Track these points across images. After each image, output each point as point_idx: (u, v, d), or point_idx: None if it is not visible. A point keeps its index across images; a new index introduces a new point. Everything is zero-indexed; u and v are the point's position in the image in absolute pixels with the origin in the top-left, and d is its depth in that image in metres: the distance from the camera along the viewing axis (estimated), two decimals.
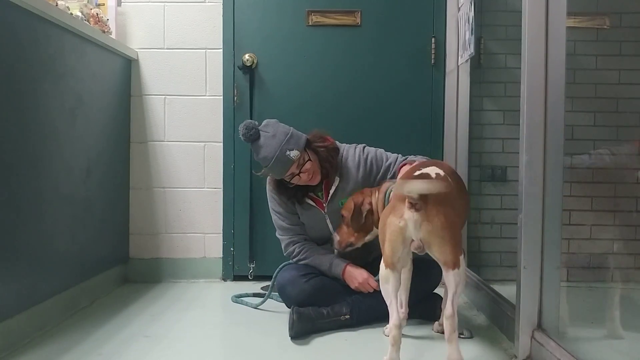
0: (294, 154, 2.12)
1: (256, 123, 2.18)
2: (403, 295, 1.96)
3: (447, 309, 1.61)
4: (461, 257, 1.64)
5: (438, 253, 1.63)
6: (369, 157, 2.26)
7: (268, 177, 2.34)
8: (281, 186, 2.28)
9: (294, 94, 2.90)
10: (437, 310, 2.20)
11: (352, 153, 2.28)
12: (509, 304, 1.98)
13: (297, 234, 2.31)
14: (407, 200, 1.58)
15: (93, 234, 2.47)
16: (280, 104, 2.90)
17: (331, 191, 2.25)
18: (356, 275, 2.16)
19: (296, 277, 2.17)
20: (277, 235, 2.36)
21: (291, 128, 2.20)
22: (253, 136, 2.14)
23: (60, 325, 2.09)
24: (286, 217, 2.32)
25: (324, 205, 2.27)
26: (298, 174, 2.17)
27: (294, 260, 2.29)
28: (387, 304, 1.68)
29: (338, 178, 2.25)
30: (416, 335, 2.06)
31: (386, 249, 1.66)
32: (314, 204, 2.28)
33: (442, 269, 1.65)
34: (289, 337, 1.98)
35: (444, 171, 1.82)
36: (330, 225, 2.27)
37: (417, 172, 1.80)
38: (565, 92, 1.71)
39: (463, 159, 2.84)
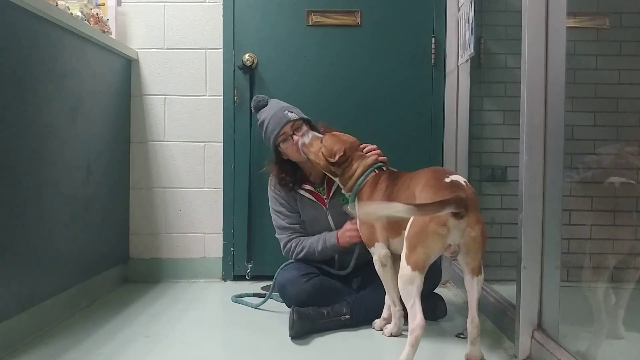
0: (292, 115, 2.25)
1: (265, 99, 2.35)
2: (395, 294, 1.96)
3: (475, 318, 1.71)
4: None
5: (472, 259, 1.70)
6: None
7: (270, 177, 2.37)
8: (282, 178, 2.30)
9: (294, 94, 2.89)
10: (437, 310, 2.20)
11: None
12: (509, 304, 1.98)
13: (295, 233, 2.33)
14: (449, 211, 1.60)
15: (93, 234, 2.47)
16: None
17: (333, 187, 2.27)
18: (347, 230, 2.17)
19: (296, 277, 2.17)
20: (276, 236, 2.36)
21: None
22: (262, 102, 2.33)
23: (60, 325, 2.09)
24: (287, 216, 2.33)
25: (326, 201, 2.29)
26: (291, 136, 2.22)
27: (293, 256, 2.31)
28: (410, 305, 1.65)
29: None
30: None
31: (420, 253, 1.65)
32: (315, 200, 2.29)
33: (467, 276, 1.73)
34: (289, 337, 1.98)
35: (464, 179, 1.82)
36: (331, 222, 2.28)
37: (447, 179, 1.75)
38: (565, 92, 1.71)
39: (463, 159, 2.84)
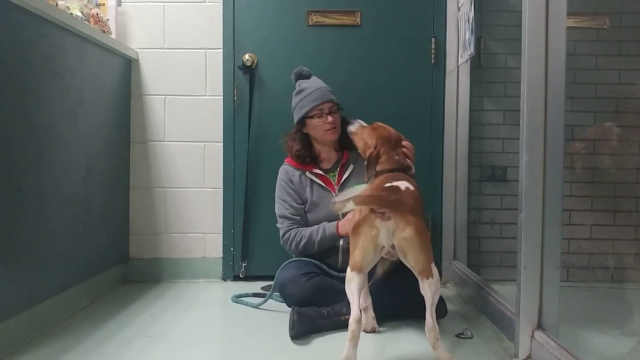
0: (335, 97, 2.35)
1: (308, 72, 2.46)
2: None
3: (428, 322, 1.68)
4: (433, 266, 1.71)
5: (413, 261, 1.71)
6: None
7: (282, 166, 2.43)
8: (299, 150, 2.37)
9: None
10: (438, 310, 2.19)
11: None
12: (509, 304, 1.98)
13: (296, 224, 2.36)
14: (375, 210, 1.70)
15: (93, 234, 2.47)
16: (280, 104, 2.89)
17: (344, 175, 2.34)
18: (349, 220, 2.16)
19: (297, 276, 2.17)
20: (277, 225, 2.40)
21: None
22: (305, 73, 2.42)
23: (60, 325, 2.09)
24: (291, 206, 2.37)
25: (336, 187, 2.34)
26: (328, 113, 2.32)
27: (291, 246, 2.34)
28: (350, 301, 1.73)
29: (353, 165, 2.35)
30: (416, 334, 2.06)
31: (357, 254, 1.73)
32: (325, 186, 2.36)
33: (418, 280, 1.72)
34: (289, 337, 1.98)
35: (412, 185, 1.88)
36: None
37: (388, 184, 1.85)
38: (565, 92, 1.71)
39: (463, 159, 2.84)
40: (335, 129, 2.35)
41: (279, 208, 2.40)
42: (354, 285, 1.72)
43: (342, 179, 2.35)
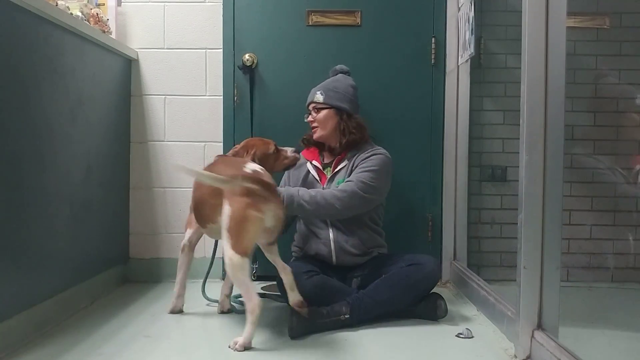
0: (317, 96, 2.44)
1: (343, 69, 2.58)
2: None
3: (285, 267, 2.02)
4: None
5: (273, 235, 1.95)
6: (366, 159, 2.35)
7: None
8: (309, 136, 2.50)
9: (294, 94, 2.89)
10: (438, 310, 2.21)
11: (374, 149, 2.40)
12: (509, 304, 1.98)
13: None
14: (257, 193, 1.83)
15: (93, 234, 2.47)
16: (280, 104, 2.90)
17: (337, 169, 2.39)
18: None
19: (298, 274, 2.17)
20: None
21: (355, 92, 2.51)
22: (336, 71, 2.56)
23: (60, 325, 2.09)
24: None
25: (326, 181, 2.40)
26: (310, 113, 2.46)
27: None
28: (244, 290, 1.84)
29: (347, 162, 2.39)
30: (416, 334, 2.06)
31: (245, 240, 1.82)
32: (317, 179, 2.41)
33: (267, 247, 2.00)
34: (288, 337, 1.98)
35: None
36: None
37: (249, 170, 1.98)
38: (565, 92, 1.71)
39: (463, 159, 2.84)
40: (316, 128, 2.44)
41: None
42: (245, 272, 1.82)
43: (334, 172, 2.39)
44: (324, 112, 2.42)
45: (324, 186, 2.37)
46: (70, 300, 2.24)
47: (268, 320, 2.22)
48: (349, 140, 2.39)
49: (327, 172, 2.42)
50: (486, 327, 2.12)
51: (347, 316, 2.09)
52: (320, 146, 2.50)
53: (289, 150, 2.30)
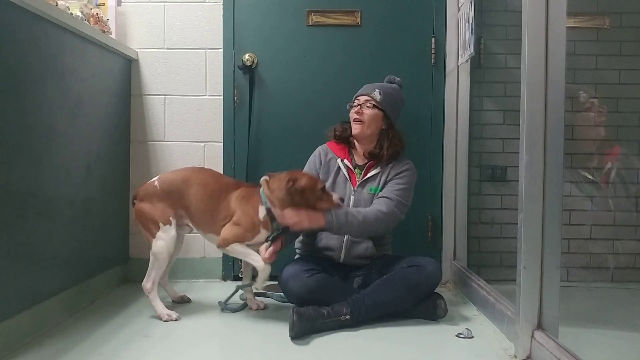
0: (375, 94, 2.38)
1: (400, 83, 2.53)
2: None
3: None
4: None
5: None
6: (401, 174, 2.35)
7: (320, 146, 2.52)
8: (344, 127, 2.45)
9: (294, 94, 2.90)
10: (438, 310, 2.21)
11: (405, 162, 2.39)
12: (509, 304, 1.98)
13: None
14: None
15: (93, 234, 2.47)
16: (280, 104, 2.90)
17: (369, 174, 2.37)
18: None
19: (299, 272, 2.18)
20: None
21: (401, 105, 2.48)
22: (393, 80, 2.51)
23: (60, 325, 2.09)
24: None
25: (357, 182, 2.38)
26: (359, 105, 2.38)
27: None
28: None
29: (380, 169, 2.37)
30: (416, 334, 2.06)
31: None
32: (348, 178, 2.39)
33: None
34: (289, 337, 1.98)
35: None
36: (351, 202, 2.36)
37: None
38: (565, 92, 1.71)
39: (463, 159, 2.84)
40: (360, 123, 2.36)
41: None
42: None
43: (366, 177, 2.37)
44: (375, 111, 2.36)
45: (355, 188, 2.36)
46: (70, 300, 2.24)
47: (268, 320, 2.22)
48: (393, 152, 2.37)
49: (356, 173, 2.41)
50: (486, 327, 2.13)
51: (347, 317, 2.09)
52: (348, 144, 2.47)
53: (334, 196, 2.20)
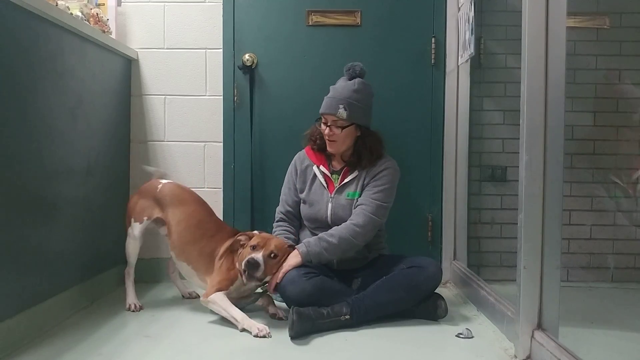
0: (341, 112, 2.27)
1: (362, 71, 2.38)
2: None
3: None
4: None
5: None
6: (379, 175, 2.32)
7: (300, 152, 2.50)
8: (317, 136, 2.42)
9: (295, 94, 2.90)
10: (438, 310, 2.21)
11: (383, 161, 2.36)
12: (509, 304, 1.98)
13: (289, 216, 2.45)
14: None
15: (93, 234, 2.47)
16: (280, 104, 2.90)
17: (346, 179, 2.35)
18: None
19: (297, 276, 2.17)
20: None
21: (371, 101, 2.38)
22: (355, 72, 2.36)
23: (60, 325, 2.09)
24: (287, 202, 2.46)
25: (335, 187, 2.36)
26: (328, 125, 2.30)
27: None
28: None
29: (357, 172, 2.35)
30: (416, 334, 2.06)
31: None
32: (325, 185, 2.38)
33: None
34: (289, 337, 1.98)
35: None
36: (329, 209, 2.34)
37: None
38: (565, 92, 1.71)
39: (463, 159, 2.84)
40: (334, 142, 2.33)
41: (281, 196, 2.50)
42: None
43: (343, 182, 2.35)
44: (346, 130, 2.30)
45: (332, 195, 2.34)
46: (70, 300, 2.24)
47: (268, 320, 2.22)
48: (372, 158, 2.34)
49: (334, 179, 2.39)
50: (486, 327, 2.13)
51: (347, 317, 2.09)
52: (326, 151, 2.43)
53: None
